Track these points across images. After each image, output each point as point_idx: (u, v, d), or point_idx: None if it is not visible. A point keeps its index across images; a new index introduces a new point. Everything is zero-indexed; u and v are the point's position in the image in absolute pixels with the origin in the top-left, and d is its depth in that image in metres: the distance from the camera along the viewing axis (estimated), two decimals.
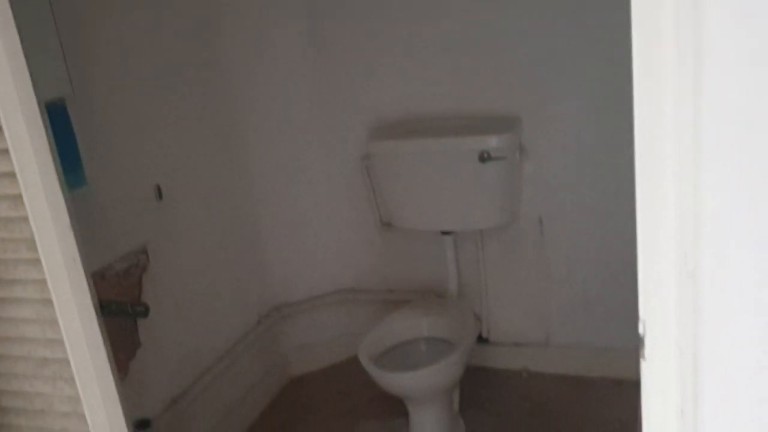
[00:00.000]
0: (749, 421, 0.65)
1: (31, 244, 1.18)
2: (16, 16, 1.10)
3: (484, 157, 2.32)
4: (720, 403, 0.65)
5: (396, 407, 2.37)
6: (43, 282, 1.19)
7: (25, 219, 1.16)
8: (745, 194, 0.60)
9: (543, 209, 2.56)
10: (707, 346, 0.65)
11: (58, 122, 1.88)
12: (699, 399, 0.66)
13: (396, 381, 2.21)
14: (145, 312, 1.88)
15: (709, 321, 0.64)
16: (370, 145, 2.55)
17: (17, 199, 1.15)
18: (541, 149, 2.47)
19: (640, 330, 0.71)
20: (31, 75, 1.14)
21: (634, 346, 0.73)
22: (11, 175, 1.14)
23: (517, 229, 2.61)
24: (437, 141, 2.43)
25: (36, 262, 1.18)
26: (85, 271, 1.19)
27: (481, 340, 2.72)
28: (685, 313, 0.65)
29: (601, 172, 2.42)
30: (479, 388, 2.66)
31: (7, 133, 1.12)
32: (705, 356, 0.65)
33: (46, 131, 1.18)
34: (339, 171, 2.76)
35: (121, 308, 1.82)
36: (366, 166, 2.63)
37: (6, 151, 1.13)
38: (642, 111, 0.63)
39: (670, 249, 0.62)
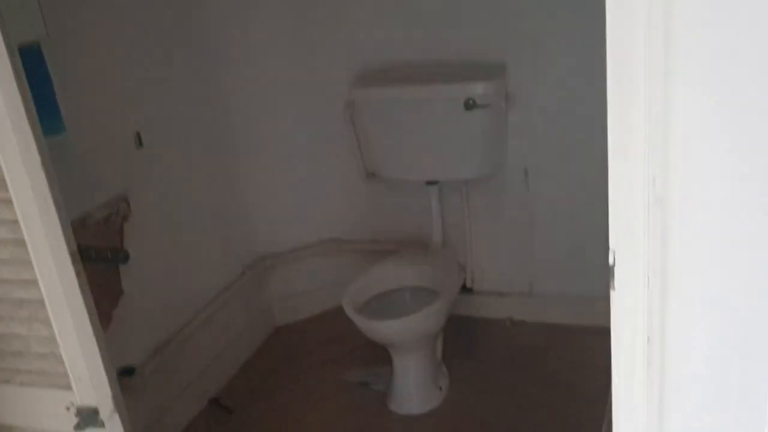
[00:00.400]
0: (713, 346, 0.65)
1: (1, 183, 1.16)
2: None
3: (469, 104, 2.29)
4: (686, 330, 0.65)
5: (380, 355, 2.39)
6: (16, 223, 1.17)
7: None
8: (714, 118, 0.59)
9: (529, 160, 2.55)
10: (674, 273, 0.65)
11: (33, 67, 1.83)
12: (666, 326, 0.66)
13: (380, 329, 2.23)
14: (125, 258, 1.89)
15: (677, 248, 0.64)
16: (353, 92, 2.52)
17: None
18: (528, 98, 2.44)
19: (610, 260, 0.70)
20: (2, 17, 1.11)
21: None
22: None
23: (502, 179, 2.60)
24: (422, 88, 2.40)
25: (8, 202, 1.17)
26: (59, 212, 1.18)
27: (465, 289, 2.73)
28: (654, 240, 0.64)
29: (588, 123, 2.39)
30: (463, 337, 2.69)
31: None
32: (672, 284, 0.65)
33: (17, 75, 1.15)
34: (322, 120, 2.72)
35: (100, 254, 1.83)
36: (350, 115, 2.60)
37: None
38: (614, 32, 0.61)
39: (638, 173, 0.61)
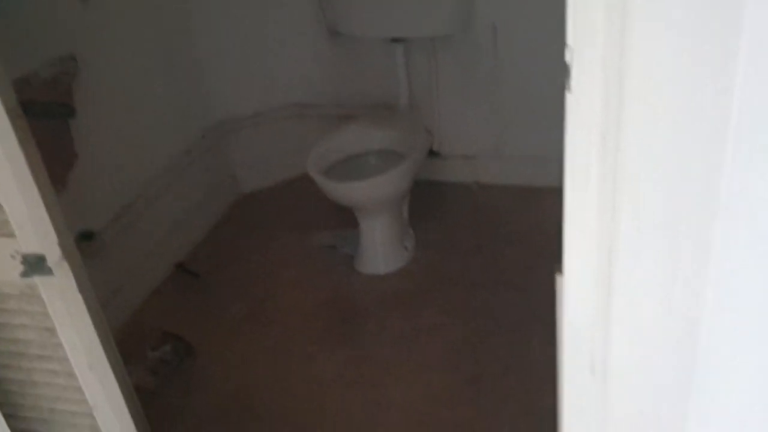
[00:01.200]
0: (672, 140, 0.61)
1: None
2: None
3: None
4: (640, 128, 0.61)
5: (347, 219, 2.37)
6: None
7: None
8: None
9: (497, 16, 2.44)
10: (634, 65, 0.60)
11: None
12: (622, 125, 0.62)
13: (345, 190, 2.20)
14: (71, 112, 1.80)
15: (637, 34, 0.58)
16: None
17: None
18: None
19: (567, 58, 0.65)
20: None
21: None
22: None
23: (470, 38, 2.49)
24: None
25: None
26: None
27: (432, 153, 2.69)
28: (613, 29, 0.59)
29: None
30: (430, 201, 2.67)
31: None
32: (631, 76, 0.60)
33: None
34: None
35: (45, 108, 1.73)
36: None
37: None
38: None
39: None
